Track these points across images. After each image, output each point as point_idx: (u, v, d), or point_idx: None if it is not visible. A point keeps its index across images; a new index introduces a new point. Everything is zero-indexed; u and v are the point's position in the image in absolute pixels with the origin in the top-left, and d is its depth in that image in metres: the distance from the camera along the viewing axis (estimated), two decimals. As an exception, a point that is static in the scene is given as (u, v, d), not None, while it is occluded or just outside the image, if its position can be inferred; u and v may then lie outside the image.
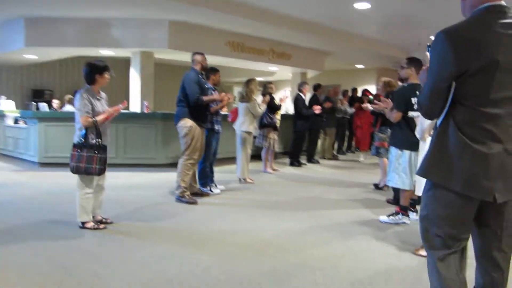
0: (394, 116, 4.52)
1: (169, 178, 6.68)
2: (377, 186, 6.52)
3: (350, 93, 11.53)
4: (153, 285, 2.91)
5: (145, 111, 8.71)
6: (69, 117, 7.98)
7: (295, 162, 8.81)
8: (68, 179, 6.57)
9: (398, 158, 4.52)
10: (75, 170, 4.00)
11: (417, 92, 4.47)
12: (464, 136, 1.78)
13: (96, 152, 4.01)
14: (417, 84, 4.50)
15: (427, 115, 2.00)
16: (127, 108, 9.03)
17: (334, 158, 10.19)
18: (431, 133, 3.59)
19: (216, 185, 6.01)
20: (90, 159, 3.97)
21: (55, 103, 10.85)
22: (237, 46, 11.09)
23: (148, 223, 4.43)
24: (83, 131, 4.00)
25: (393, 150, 4.61)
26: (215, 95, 5.52)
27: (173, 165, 7.56)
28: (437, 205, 1.92)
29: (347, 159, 10.15)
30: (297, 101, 8.70)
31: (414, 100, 4.44)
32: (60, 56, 12.47)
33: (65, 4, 8.42)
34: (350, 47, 12.26)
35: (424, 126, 3.56)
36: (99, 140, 4.07)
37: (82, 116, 3.98)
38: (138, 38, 9.69)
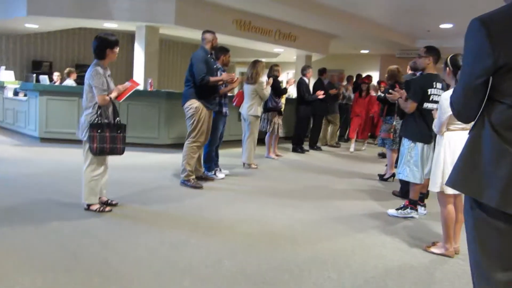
0: (409, 106, 4.43)
1: (172, 159, 6.60)
2: (382, 177, 6.45)
3: (354, 79, 11.40)
4: (165, 274, 2.84)
5: (149, 89, 8.54)
6: (71, 92, 7.87)
7: (298, 148, 8.70)
8: (70, 156, 6.50)
9: (411, 150, 4.43)
10: (100, 152, 3.84)
11: (434, 83, 4.38)
12: (502, 140, 1.51)
13: (119, 131, 3.90)
14: (435, 74, 4.40)
15: (461, 117, 1.76)
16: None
17: (337, 145, 10.11)
18: (450, 127, 3.53)
19: (220, 170, 5.92)
20: (114, 139, 3.85)
21: (56, 75, 10.60)
22: (244, 24, 10.86)
23: (154, 207, 4.35)
24: (99, 110, 3.85)
25: (406, 142, 4.52)
26: (223, 76, 5.36)
27: (175, 146, 7.48)
28: (476, 230, 1.63)
29: (349, 147, 10.03)
30: (301, 85, 8.50)
31: (430, 91, 4.35)
32: (62, 27, 12.18)
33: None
34: (356, 30, 12.01)
35: (442, 119, 3.45)
36: (119, 118, 3.96)
37: (100, 95, 3.81)
38: (144, 12, 9.39)
